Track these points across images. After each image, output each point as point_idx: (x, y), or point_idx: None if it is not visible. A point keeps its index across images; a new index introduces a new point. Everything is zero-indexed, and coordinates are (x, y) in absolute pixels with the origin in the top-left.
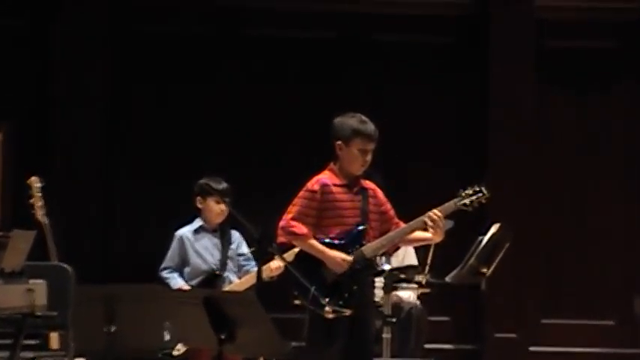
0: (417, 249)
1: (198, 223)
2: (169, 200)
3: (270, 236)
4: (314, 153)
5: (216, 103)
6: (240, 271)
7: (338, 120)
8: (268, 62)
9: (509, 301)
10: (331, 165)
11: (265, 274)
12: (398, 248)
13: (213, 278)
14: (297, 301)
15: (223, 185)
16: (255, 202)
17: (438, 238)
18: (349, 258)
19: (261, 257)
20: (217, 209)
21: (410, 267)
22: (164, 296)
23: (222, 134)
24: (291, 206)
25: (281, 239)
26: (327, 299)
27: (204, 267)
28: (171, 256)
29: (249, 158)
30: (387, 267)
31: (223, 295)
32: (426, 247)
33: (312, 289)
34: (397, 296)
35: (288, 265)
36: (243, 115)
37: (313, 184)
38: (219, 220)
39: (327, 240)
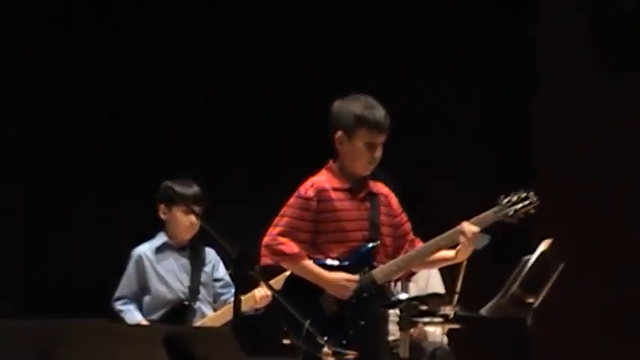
0: (443, 273)
1: (161, 239)
2: (125, 212)
3: (252, 256)
4: (309, 149)
5: (180, 90)
6: (217, 302)
7: (337, 105)
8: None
9: (563, 340)
10: (330, 164)
11: (248, 306)
12: (414, 273)
13: (180, 310)
14: (286, 340)
15: (194, 190)
16: (233, 213)
17: (463, 258)
18: (355, 278)
19: (239, 283)
20: (186, 221)
21: (434, 296)
22: (114, 334)
23: (190, 128)
24: (278, 218)
25: (266, 260)
26: (325, 338)
27: (169, 296)
28: (126, 282)
29: (225, 157)
30: (404, 296)
31: (190, 332)
32: (455, 271)
33: (307, 324)
34: (421, 330)
35: (276, 294)
36: (216, 104)
37: (307, 188)
38: (189, 235)
39: (325, 261)
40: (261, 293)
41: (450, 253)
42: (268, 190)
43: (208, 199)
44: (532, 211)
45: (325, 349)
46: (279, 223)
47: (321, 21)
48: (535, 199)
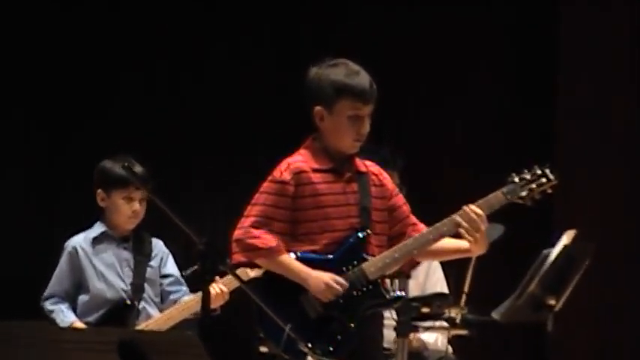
0: (447, 269)
1: (99, 228)
2: (60, 198)
3: (222, 249)
4: (288, 126)
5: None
6: (165, 302)
7: (314, 73)
8: None
9: (590, 349)
10: (309, 142)
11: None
12: (417, 264)
13: (121, 311)
14: (263, 348)
15: (137, 169)
16: (198, 201)
17: (478, 250)
18: (342, 280)
19: (208, 279)
20: (127, 210)
21: (438, 296)
22: (51, 338)
23: (146, 106)
24: (250, 207)
25: (237, 257)
26: (309, 344)
27: (108, 294)
28: (58, 278)
29: (190, 135)
30: (400, 295)
31: (149, 337)
32: (463, 267)
33: (287, 328)
34: (418, 340)
35: (250, 292)
36: (183, 74)
37: (282, 171)
38: (132, 225)
39: (307, 254)
40: (216, 290)
41: (463, 243)
42: (240, 174)
43: (170, 186)
44: (549, 191)
45: (310, 358)
46: (251, 212)
47: None
48: (552, 176)
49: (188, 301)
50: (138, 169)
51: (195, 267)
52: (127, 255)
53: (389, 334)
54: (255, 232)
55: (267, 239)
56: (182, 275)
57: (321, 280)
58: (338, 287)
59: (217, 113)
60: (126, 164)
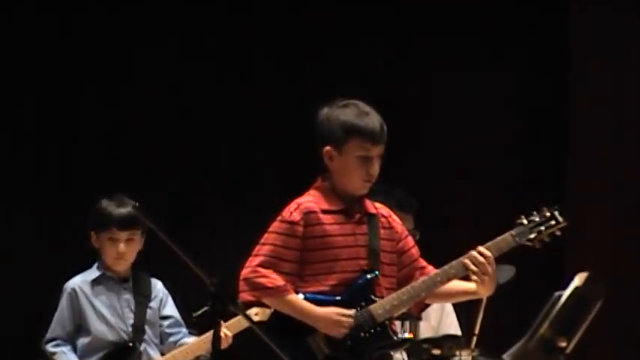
0: (458, 311)
1: (97, 270)
2: (59, 238)
3: (232, 288)
4: (298, 165)
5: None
6: (164, 343)
7: (324, 114)
8: None
9: None
10: (318, 182)
11: (204, 349)
12: (426, 306)
13: (123, 352)
14: None
15: (120, 211)
16: (206, 240)
17: (486, 292)
18: (350, 312)
19: (219, 319)
20: (112, 251)
21: (449, 337)
22: None
23: (152, 137)
24: (258, 246)
25: (245, 295)
26: None
27: (109, 336)
28: (59, 320)
29: (198, 172)
30: (409, 337)
31: None
32: (474, 308)
33: None
34: None
35: (260, 333)
36: (188, 110)
37: (291, 211)
38: (120, 267)
39: (315, 295)
40: (224, 333)
41: (471, 285)
42: (249, 214)
43: (175, 225)
44: (558, 233)
45: None
46: (260, 252)
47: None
48: (561, 218)
49: (193, 344)
50: (121, 209)
51: (206, 308)
52: (127, 296)
53: None
54: (263, 271)
55: (274, 278)
56: (192, 316)
57: (328, 316)
58: (346, 319)
59: (226, 151)
60: (105, 206)
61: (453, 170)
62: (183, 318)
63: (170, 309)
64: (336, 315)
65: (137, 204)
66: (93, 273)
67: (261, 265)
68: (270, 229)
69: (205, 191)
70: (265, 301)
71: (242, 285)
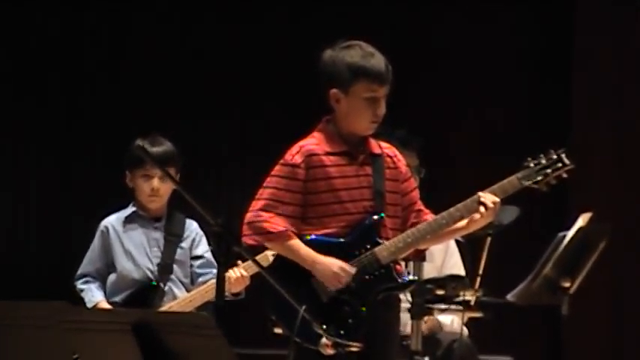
0: (463, 251)
1: (131, 208)
2: (95, 179)
3: (236, 232)
4: (304, 108)
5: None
6: (195, 283)
7: (328, 56)
8: None
9: (606, 332)
10: (322, 124)
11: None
12: (423, 251)
13: (147, 292)
14: (277, 329)
15: (158, 149)
16: (212, 185)
17: (475, 227)
18: (350, 269)
19: (223, 261)
20: (146, 188)
21: (452, 278)
22: (71, 319)
23: (162, 85)
24: (261, 190)
25: (248, 240)
26: (323, 327)
27: (135, 274)
28: (90, 257)
29: (206, 118)
30: (413, 278)
31: (164, 318)
32: (478, 248)
33: (302, 310)
34: (433, 321)
35: (265, 274)
36: (197, 58)
37: (293, 154)
38: (154, 205)
39: (320, 238)
40: (236, 274)
41: (461, 223)
42: (255, 157)
43: (186, 165)
44: (564, 175)
45: (323, 340)
46: (262, 195)
47: None
48: (568, 161)
49: (211, 284)
50: (158, 148)
51: (211, 248)
52: (157, 235)
53: (404, 318)
54: (265, 215)
55: (276, 223)
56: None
57: (329, 267)
58: (345, 276)
59: (231, 97)
60: (140, 144)
61: (459, 111)
62: None
63: (202, 249)
64: (337, 268)
65: (141, 144)
66: (126, 211)
67: (263, 209)
68: (273, 173)
69: (211, 137)
70: (267, 244)
71: (245, 229)
